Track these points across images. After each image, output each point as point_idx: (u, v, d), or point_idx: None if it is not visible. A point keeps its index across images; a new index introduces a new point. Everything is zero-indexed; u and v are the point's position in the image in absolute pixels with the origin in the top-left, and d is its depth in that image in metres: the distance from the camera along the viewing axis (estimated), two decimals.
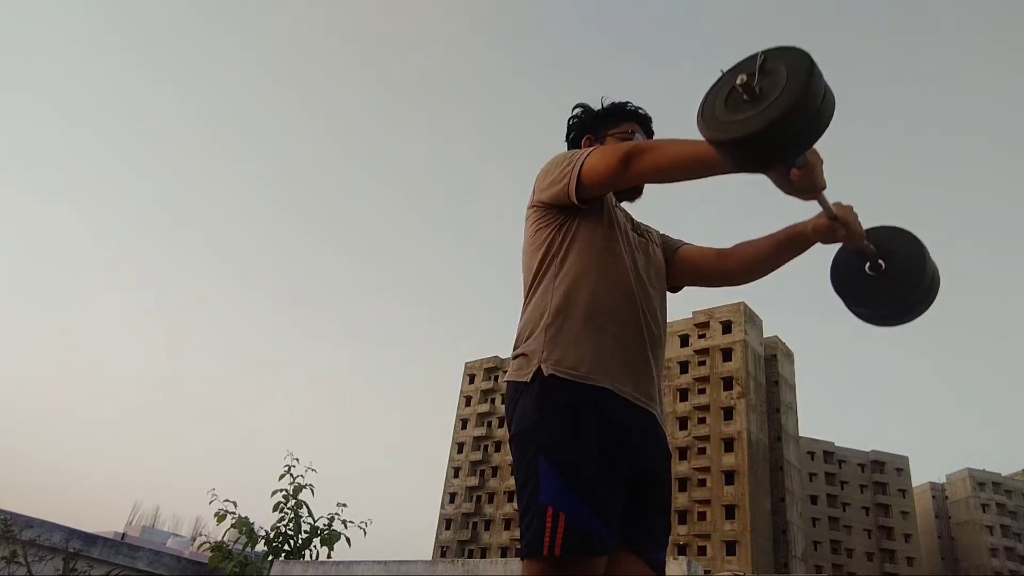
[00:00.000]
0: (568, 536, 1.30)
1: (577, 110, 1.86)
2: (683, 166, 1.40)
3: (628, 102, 1.85)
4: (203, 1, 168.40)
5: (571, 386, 1.44)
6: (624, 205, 1.80)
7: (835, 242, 1.56)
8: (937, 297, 1.55)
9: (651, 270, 1.69)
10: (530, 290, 1.63)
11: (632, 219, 1.77)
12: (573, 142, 1.87)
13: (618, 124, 1.81)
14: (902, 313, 1.56)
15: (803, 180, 1.31)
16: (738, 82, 1.18)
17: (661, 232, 1.87)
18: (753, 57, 1.22)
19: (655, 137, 1.82)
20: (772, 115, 1.12)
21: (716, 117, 1.21)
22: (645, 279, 1.64)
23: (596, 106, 1.85)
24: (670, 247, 1.83)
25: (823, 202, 1.41)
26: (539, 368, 1.47)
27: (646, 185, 1.77)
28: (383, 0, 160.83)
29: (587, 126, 1.84)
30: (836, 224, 1.49)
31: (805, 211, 1.53)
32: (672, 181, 1.48)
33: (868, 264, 1.56)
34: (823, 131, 1.15)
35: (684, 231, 1.88)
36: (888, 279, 1.54)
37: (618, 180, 1.50)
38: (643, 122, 1.84)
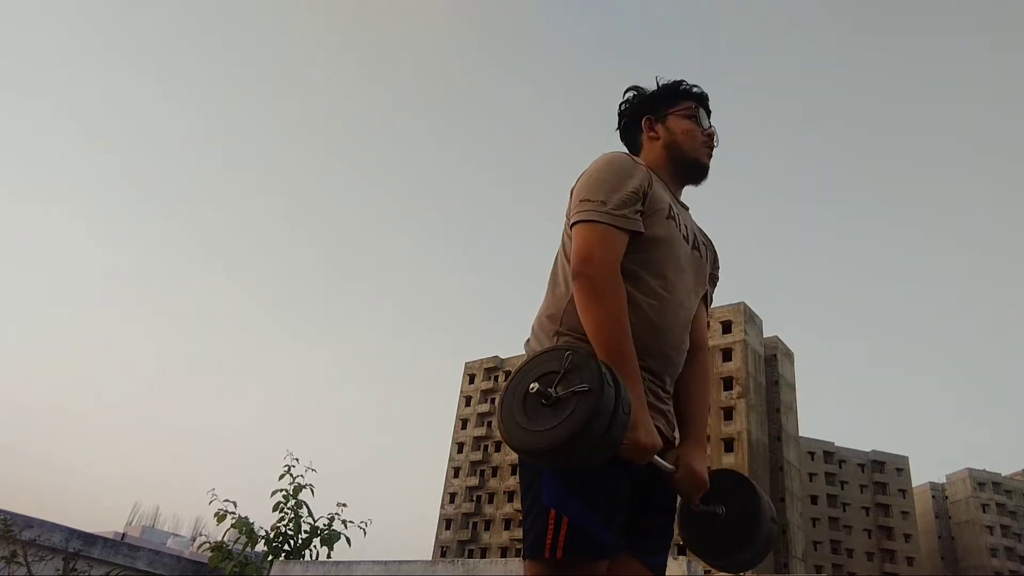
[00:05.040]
0: (570, 538, 1.30)
1: (630, 93, 1.81)
2: (590, 332, 1.42)
3: (682, 81, 1.80)
4: (201, 6, 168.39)
5: None
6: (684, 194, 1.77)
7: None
8: (772, 546, 1.59)
9: (695, 295, 1.66)
10: (557, 283, 1.60)
11: (692, 232, 1.70)
12: (627, 128, 1.82)
13: (677, 103, 1.77)
14: (743, 564, 1.57)
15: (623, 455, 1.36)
16: (531, 389, 1.25)
17: (716, 255, 1.82)
18: (550, 358, 1.29)
19: (708, 128, 1.77)
20: (570, 429, 1.18)
21: (516, 423, 1.26)
22: (684, 308, 1.61)
23: (649, 89, 1.80)
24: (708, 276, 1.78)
25: (657, 463, 1.44)
26: None
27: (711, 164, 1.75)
28: (384, 5, 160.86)
29: (644, 107, 1.79)
30: (670, 480, 1.51)
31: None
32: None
33: (708, 515, 1.57)
34: (619, 441, 1.22)
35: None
36: (727, 528, 1.56)
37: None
38: (701, 100, 1.79)
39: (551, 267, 1.66)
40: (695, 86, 1.80)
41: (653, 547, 1.51)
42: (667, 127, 1.75)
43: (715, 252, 1.82)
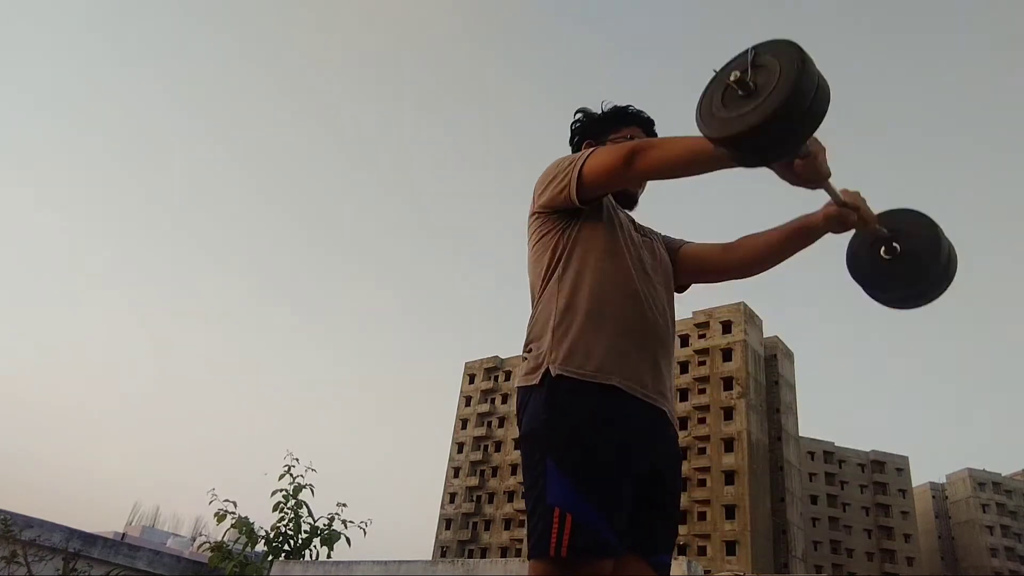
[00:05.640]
0: (574, 537, 1.30)
1: (578, 115, 1.84)
2: (687, 161, 1.42)
3: (629, 105, 1.82)
4: (205, 6, 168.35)
5: (580, 385, 1.44)
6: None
7: (846, 230, 1.56)
8: (956, 274, 1.52)
9: (657, 268, 1.69)
10: (537, 295, 1.64)
11: (634, 220, 1.77)
12: (576, 147, 1.85)
13: (619, 128, 1.79)
14: (921, 294, 1.54)
15: (807, 169, 1.34)
16: (731, 79, 1.20)
17: (662, 233, 1.86)
18: (744, 53, 1.23)
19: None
20: (768, 109, 1.14)
21: (713, 114, 1.23)
22: (651, 277, 1.63)
23: (597, 110, 1.83)
24: (672, 246, 1.81)
25: (830, 190, 1.42)
26: (547, 369, 1.47)
27: (643, 192, 1.80)
28: (385, 6, 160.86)
29: (588, 130, 1.83)
30: (846, 210, 1.49)
31: (809, 199, 1.55)
32: (675, 176, 1.49)
33: (883, 248, 1.55)
34: (820, 121, 1.17)
35: (678, 228, 1.88)
36: (904, 262, 1.53)
37: (620, 178, 1.52)
38: (645, 125, 1.81)
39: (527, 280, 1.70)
40: (641, 111, 1.82)
41: (657, 546, 1.50)
42: None
43: (662, 235, 1.88)
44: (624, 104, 1.83)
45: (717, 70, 1.27)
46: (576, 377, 1.44)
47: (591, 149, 1.58)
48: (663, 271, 1.71)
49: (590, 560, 1.31)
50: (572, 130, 1.87)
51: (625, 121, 1.80)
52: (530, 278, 1.69)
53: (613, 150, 1.52)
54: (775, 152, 1.22)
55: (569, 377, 1.44)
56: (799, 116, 1.15)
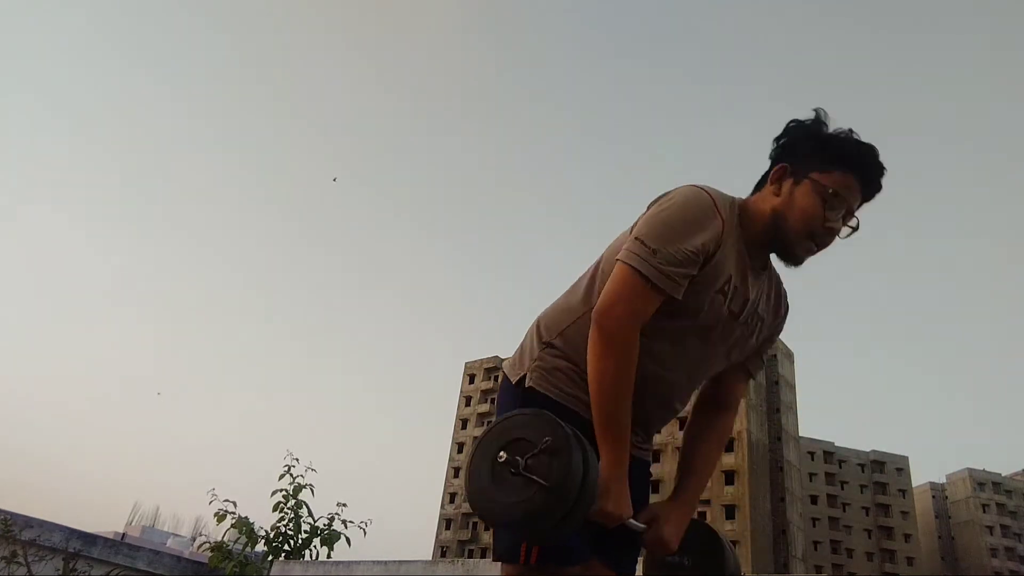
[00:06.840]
0: (544, 546, 1.34)
1: (791, 125, 1.46)
2: (591, 385, 1.38)
3: (851, 136, 1.41)
4: (205, 6, 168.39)
5: (549, 403, 1.44)
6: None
7: None
8: None
9: (708, 364, 1.52)
10: (571, 294, 1.57)
11: (752, 303, 1.49)
12: (773, 162, 1.49)
13: (829, 170, 1.39)
14: None
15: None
16: (499, 458, 1.21)
17: (778, 325, 1.62)
18: (505, 421, 1.27)
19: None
20: (535, 505, 1.14)
21: (479, 488, 1.22)
22: (689, 374, 1.50)
23: (812, 124, 1.45)
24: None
25: (628, 524, 1.39)
26: (524, 376, 1.50)
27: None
28: (386, 4, 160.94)
29: (792, 152, 1.44)
30: (640, 539, 1.44)
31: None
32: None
33: (669, 563, 1.54)
34: (584, 513, 1.18)
35: None
36: None
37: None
38: (864, 177, 1.39)
39: (582, 272, 1.59)
40: (866, 151, 1.39)
41: (623, 559, 1.52)
42: (794, 190, 1.41)
43: (778, 320, 1.61)
44: (845, 133, 1.41)
45: (486, 434, 1.28)
46: (548, 396, 1.46)
47: (634, 266, 1.35)
48: (728, 363, 1.55)
49: (558, 567, 1.35)
50: (776, 143, 1.48)
51: (840, 164, 1.39)
52: (594, 270, 1.53)
53: (607, 304, 1.36)
54: (559, 530, 1.19)
55: (540, 392, 1.46)
56: (567, 509, 1.15)
